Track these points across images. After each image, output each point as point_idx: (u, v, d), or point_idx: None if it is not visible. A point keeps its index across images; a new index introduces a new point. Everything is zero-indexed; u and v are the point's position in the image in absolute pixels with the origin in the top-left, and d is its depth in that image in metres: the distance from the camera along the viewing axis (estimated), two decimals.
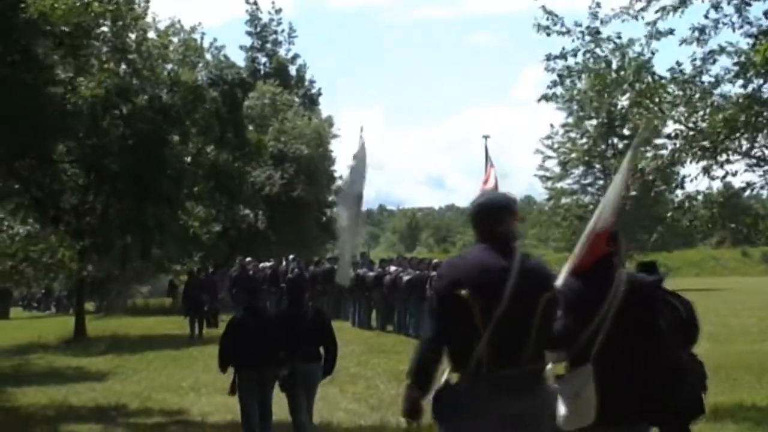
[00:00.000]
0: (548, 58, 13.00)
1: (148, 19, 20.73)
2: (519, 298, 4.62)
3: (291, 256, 30.16)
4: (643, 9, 12.34)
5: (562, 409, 5.04)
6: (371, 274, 24.31)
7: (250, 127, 40.79)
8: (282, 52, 54.25)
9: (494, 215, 4.97)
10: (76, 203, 17.70)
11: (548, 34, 12.83)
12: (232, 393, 9.43)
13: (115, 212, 16.12)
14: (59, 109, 14.10)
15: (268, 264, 29.95)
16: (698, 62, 12.35)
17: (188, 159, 22.42)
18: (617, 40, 12.77)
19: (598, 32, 12.74)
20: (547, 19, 12.77)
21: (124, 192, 15.82)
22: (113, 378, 17.17)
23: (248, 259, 30.62)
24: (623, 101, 13.92)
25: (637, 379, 5.17)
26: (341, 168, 47.26)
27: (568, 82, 13.29)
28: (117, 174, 15.65)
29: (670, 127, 12.93)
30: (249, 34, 53.67)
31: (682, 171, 13.48)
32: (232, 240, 39.89)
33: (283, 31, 54.12)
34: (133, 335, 26.52)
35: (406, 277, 22.22)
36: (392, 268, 23.78)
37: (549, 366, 5.06)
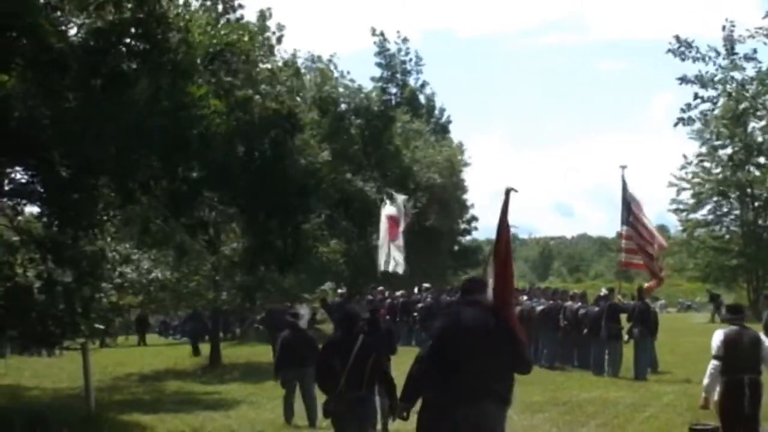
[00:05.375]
0: (682, 80, 12.65)
1: (283, 50, 20.95)
2: (359, 359, 8.72)
3: (425, 285, 29.98)
4: None
5: None
6: None
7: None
8: (411, 81, 54.47)
9: (349, 320, 9.33)
10: (216, 219, 17.94)
11: (683, 59, 12.48)
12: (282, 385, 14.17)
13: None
14: (198, 134, 13.97)
15: (398, 293, 29.88)
16: None
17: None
18: (757, 64, 12.32)
19: (734, 51, 12.31)
20: (680, 46, 12.45)
21: (252, 206, 16.14)
22: (247, 405, 17.26)
23: (380, 288, 30.65)
24: (758, 128, 13.43)
25: None
26: (473, 197, 47.16)
27: (703, 106, 12.90)
28: (242, 190, 15.83)
29: None
30: (378, 65, 54.10)
31: None
32: (364, 269, 39.92)
33: (411, 60, 54.46)
34: (267, 363, 26.67)
35: (539, 308, 21.71)
36: (524, 298, 23.11)
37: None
